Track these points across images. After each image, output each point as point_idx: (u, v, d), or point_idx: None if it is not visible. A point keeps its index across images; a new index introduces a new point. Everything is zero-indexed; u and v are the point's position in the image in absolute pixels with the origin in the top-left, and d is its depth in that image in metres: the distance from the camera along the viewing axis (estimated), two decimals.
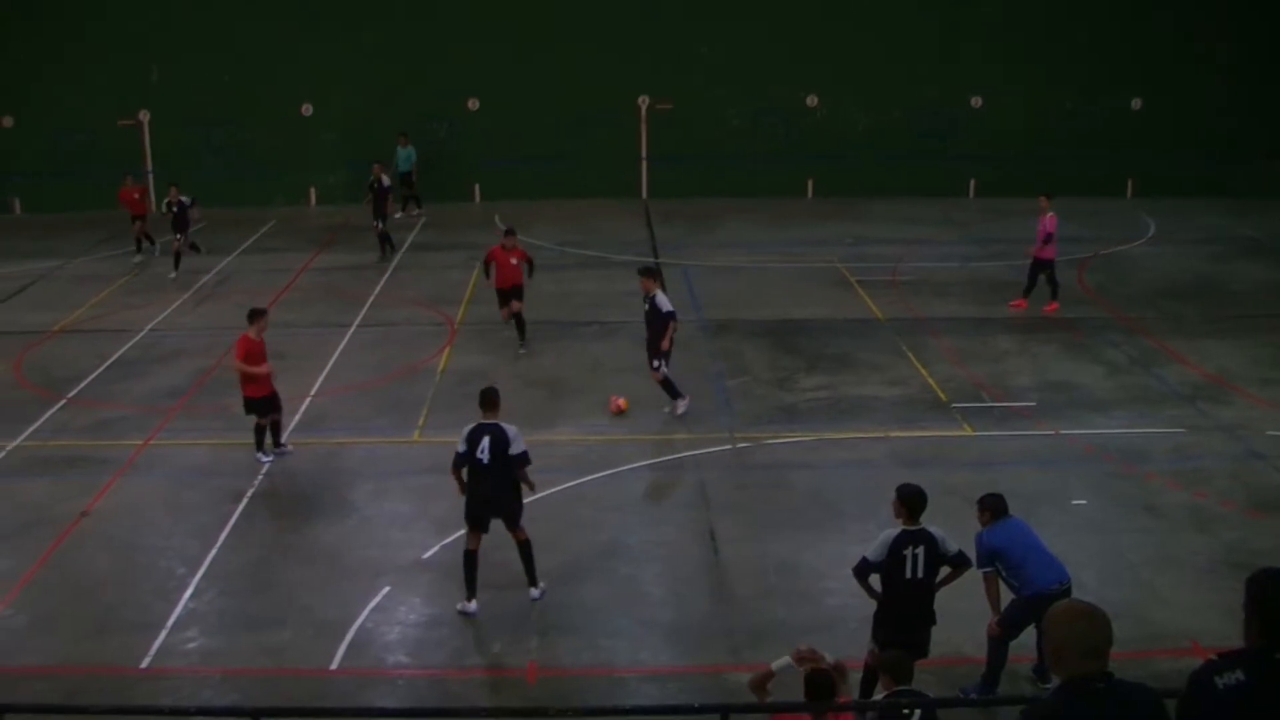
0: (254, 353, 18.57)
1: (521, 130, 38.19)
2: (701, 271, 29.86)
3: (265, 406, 18.85)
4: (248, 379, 18.59)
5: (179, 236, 30.39)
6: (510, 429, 14.47)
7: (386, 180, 31.91)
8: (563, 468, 18.46)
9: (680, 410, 20.55)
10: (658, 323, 20.43)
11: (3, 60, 37.47)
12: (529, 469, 14.67)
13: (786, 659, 9.94)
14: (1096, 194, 36.35)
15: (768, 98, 38.60)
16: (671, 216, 36.28)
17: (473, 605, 14.58)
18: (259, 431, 18.92)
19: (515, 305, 23.76)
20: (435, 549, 16.09)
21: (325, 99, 38.19)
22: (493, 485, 14.46)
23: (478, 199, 39.14)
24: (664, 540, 16.48)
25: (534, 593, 14.90)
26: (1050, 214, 25.88)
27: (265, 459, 18.80)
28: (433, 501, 17.15)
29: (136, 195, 32.29)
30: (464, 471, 14.59)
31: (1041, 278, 26.28)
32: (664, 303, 20.47)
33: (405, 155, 36.92)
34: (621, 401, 20.66)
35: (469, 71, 38.00)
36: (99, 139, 37.76)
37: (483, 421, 14.56)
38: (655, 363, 20.55)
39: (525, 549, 14.80)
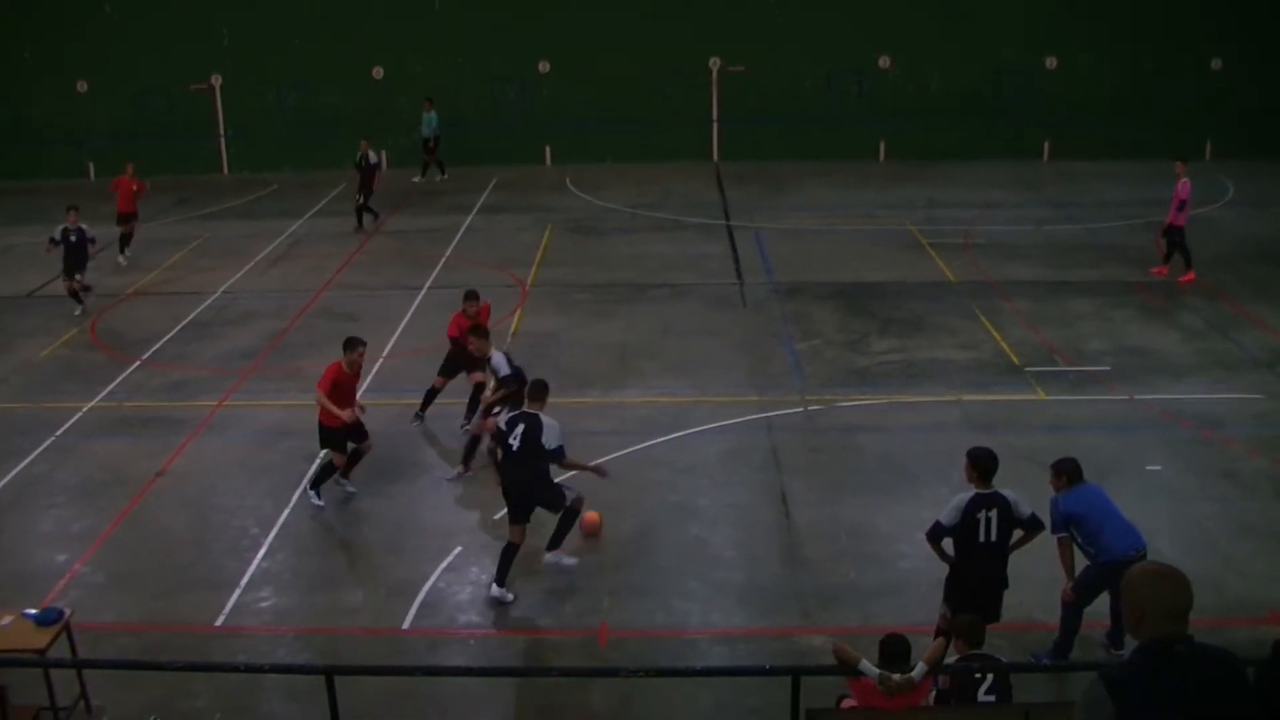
0: (342, 386, 16.38)
1: (592, 92, 38.14)
2: (772, 234, 29.72)
3: (341, 439, 16.55)
4: (325, 409, 16.32)
5: (77, 277, 24.80)
6: (547, 421, 14.10)
7: (374, 157, 31.97)
8: (633, 430, 18.47)
9: (450, 476, 17.37)
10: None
11: (76, 26, 37.81)
12: (576, 458, 14.45)
13: (876, 670, 9.98)
14: (1174, 157, 35.76)
15: (840, 59, 38.34)
16: (743, 179, 36.15)
17: (510, 594, 14.24)
18: (326, 471, 16.63)
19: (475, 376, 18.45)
20: (506, 510, 16.13)
21: (397, 62, 38.28)
22: (518, 473, 14.13)
23: (548, 161, 39.12)
24: (735, 502, 16.44)
25: (548, 557, 14.58)
26: (1185, 180, 25.34)
27: (318, 501, 16.48)
28: None
29: (135, 188, 29.17)
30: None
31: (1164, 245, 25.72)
32: (501, 365, 17.14)
33: (429, 120, 36.84)
34: (594, 520, 16.16)
35: (540, 34, 37.98)
36: (172, 103, 38.11)
37: (526, 410, 14.30)
38: (465, 422, 18.08)
39: (567, 517, 14.43)
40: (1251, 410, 19.10)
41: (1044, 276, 25.96)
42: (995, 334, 22.46)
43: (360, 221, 31.57)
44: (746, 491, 16.74)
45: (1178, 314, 23.51)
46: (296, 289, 25.96)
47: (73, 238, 24.70)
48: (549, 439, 14.00)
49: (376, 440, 17.14)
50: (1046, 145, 38.56)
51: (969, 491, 11.86)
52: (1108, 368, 20.81)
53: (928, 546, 12.11)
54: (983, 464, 11.86)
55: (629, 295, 25.07)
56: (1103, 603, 12.51)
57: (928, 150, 37.97)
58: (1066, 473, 12.50)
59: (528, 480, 14.18)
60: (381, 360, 21.62)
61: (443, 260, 27.89)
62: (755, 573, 14.75)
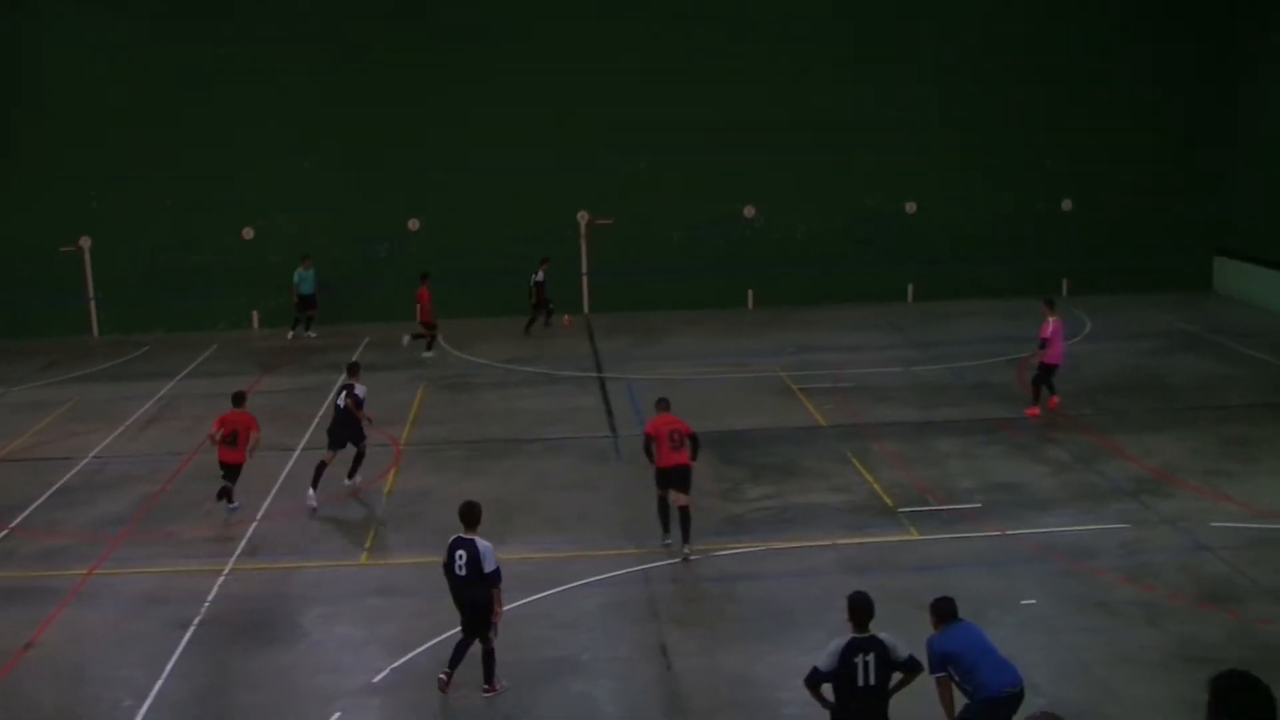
0: None
1: (462, 248, 38.22)
2: (645, 384, 29.91)
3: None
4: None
5: None
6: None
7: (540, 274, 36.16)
8: (512, 586, 18.24)
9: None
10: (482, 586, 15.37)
11: None
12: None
13: None
14: (1032, 294, 36.71)
15: (706, 210, 38.85)
16: (615, 331, 36.42)
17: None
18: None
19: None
20: (386, 672, 15.97)
21: (268, 222, 38.26)
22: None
23: (419, 317, 39.07)
24: (616, 656, 16.43)
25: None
26: (1051, 319, 25.99)
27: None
28: (382, 624, 17.05)
29: (428, 298, 33.92)
30: None
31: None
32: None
33: (308, 277, 36.87)
34: None
35: (409, 191, 38.17)
36: (40, 266, 37.60)
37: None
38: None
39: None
40: (1119, 539, 19.55)
41: (912, 417, 26.44)
42: (867, 476, 22.78)
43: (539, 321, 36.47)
44: (627, 644, 16.74)
45: (1043, 448, 24.04)
46: (169, 452, 25.63)
47: None
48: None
49: (251, 605, 16.93)
50: (911, 287, 39.41)
51: (845, 636, 12.00)
52: (979, 504, 21.20)
53: (809, 692, 12.20)
54: (859, 609, 12.04)
55: (503, 450, 25.09)
56: None
57: (795, 296, 38.60)
58: (940, 613, 12.72)
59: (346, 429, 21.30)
60: (256, 524, 21.39)
61: (316, 419, 27.66)
62: None
